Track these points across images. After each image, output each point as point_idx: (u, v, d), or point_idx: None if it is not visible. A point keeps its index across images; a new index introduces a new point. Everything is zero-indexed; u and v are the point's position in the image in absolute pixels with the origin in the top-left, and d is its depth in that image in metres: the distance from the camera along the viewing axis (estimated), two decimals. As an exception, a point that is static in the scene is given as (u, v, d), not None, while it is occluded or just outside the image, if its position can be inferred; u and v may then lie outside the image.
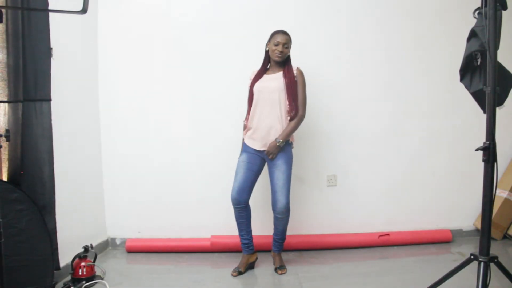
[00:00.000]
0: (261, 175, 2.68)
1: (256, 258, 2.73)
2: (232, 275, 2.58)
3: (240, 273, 2.60)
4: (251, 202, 2.64)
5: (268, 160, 2.58)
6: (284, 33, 2.55)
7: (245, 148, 2.64)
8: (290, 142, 2.60)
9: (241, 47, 3.06)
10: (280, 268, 2.63)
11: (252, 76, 2.65)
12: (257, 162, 2.61)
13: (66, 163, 2.54)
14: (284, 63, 2.59)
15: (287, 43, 2.54)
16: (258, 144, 2.57)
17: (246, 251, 2.67)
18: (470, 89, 2.05)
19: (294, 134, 2.63)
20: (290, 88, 2.52)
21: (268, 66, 2.65)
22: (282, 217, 2.54)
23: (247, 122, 2.64)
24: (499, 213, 3.07)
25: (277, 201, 2.52)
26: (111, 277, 2.54)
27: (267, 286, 2.48)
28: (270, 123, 2.53)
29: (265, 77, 2.61)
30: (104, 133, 3.12)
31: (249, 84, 2.64)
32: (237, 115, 2.97)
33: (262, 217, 2.88)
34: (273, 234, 2.67)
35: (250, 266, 2.69)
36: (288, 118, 2.55)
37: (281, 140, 2.50)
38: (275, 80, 2.55)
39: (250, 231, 2.66)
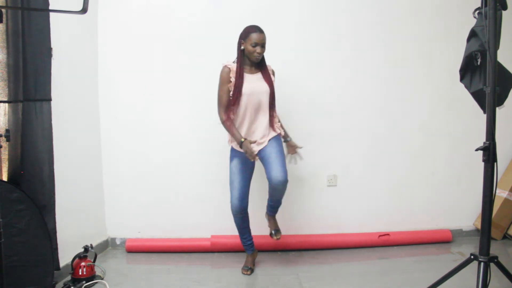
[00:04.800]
0: (252, 179, 2.66)
1: (257, 254, 2.78)
2: (245, 274, 2.60)
3: (252, 271, 2.63)
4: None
5: (262, 151, 2.48)
6: (261, 31, 2.41)
7: (234, 153, 2.57)
8: (280, 136, 2.58)
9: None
10: (276, 232, 2.65)
11: (233, 74, 2.46)
12: (249, 165, 2.58)
13: (66, 163, 2.54)
14: (260, 61, 2.51)
15: (265, 42, 2.41)
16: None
17: (250, 250, 2.70)
18: (470, 89, 2.05)
19: (291, 132, 2.65)
20: (273, 93, 2.51)
21: (246, 60, 2.50)
22: (282, 187, 2.43)
23: (229, 122, 2.50)
24: (499, 213, 3.08)
25: (273, 170, 2.38)
26: (111, 277, 2.54)
27: (267, 286, 2.48)
28: (257, 124, 2.50)
29: (248, 76, 2.48)
30: (104, 133, 3.12)
31: (231, 84, 2.45)
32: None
33: (260, 218, 2.87)
34: (269, 201, 2.61)
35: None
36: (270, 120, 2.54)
37: (290, 138, 2.67)
38: (260, 82, 2.50)
39: (250, 231, 2.69)
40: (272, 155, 2.45)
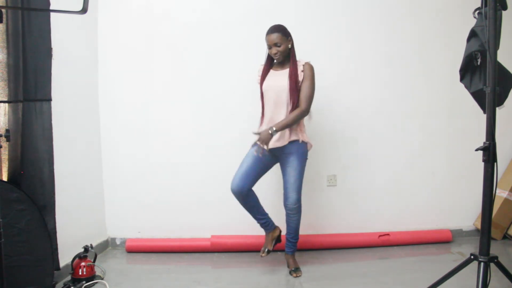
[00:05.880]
0: (271, 174, 2.64)
1: (280, 231, 2.66)
2: (261, 256, 2.55)
3: (269, 252, 2.57)
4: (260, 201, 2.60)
5: (281, 158, 2.52)
6: (273, 31, 2.44)
7: (256, 144, 2.53)
8: (304, 142, 2.52)
9: (241, 47, 3.06)
10: (295, 271, 2.56)
11: (260, 72, 2.59)
12: (267, 158, 2.52)
13: (66, 163, 2.54)
14: (289, 57, 2.51)
15: (278, 41, 2.42)
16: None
17: (267, 229, 2.62)
18: (470, 89, 2.05)
19: (308, 135, 2.58)
20: (293, 90, 2.44)
21: (274, 60, 2.57)
22: (292, 213, 2.51)
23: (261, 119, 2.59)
24: (499, 213, 3.07)
25: (288, 197, 2.49)
26: (111, 277, 2.54)
27: (267, 286, 2.48)
28: (276, 120, 2.46)
29: (272, 73, 2.54)
30: (104, 133, 3.12)
31: (258, 81, 2.59)
32: (237, 115, 2.97)
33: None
34: (286, 234, 2.63)
35: (278, 240, 2.65)
36: None
37: (274, 129, 2.36)
38: (282, 79, 2.48)
39: (262, 211, 2.59)
40: (291, 179, 2.49)
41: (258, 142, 2.39)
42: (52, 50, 2.33)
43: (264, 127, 2.51)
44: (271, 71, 2.56)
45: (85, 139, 2.94)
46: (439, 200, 3.23)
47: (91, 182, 3.02)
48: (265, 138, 2.38)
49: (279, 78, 2.50)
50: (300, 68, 2.49)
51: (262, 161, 2.51)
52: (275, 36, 2.43)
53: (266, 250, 2.57)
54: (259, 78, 2.58)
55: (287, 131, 2.47)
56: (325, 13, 3.11)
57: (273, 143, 2.47)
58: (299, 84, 2.47)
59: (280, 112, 2.47)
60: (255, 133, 2.45)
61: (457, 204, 3.25)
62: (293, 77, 2.46)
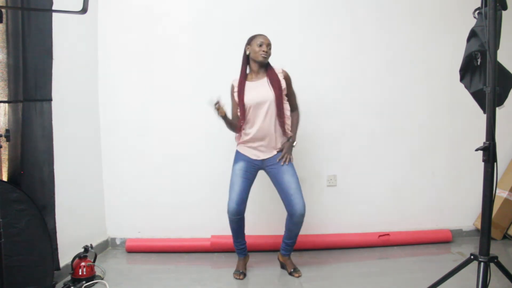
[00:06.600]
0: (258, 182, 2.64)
1: (248, 258, 2.72)
2: (239, 278, 2.53)
3: (244, 275, 2.57)
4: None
5: (272, 167, 2.51)
6: (265, 35, 2.49)
7: (239, 156, 2.56)
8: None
9: (240, 47, 3.05)
10: (295, 271, 2.57)
11: (236, 87, 2.52)
12: (253, 170, 2.55)
13: (66, 163, 2.54)
14: (266, 66, 2.52)
15: (270, 44, 2.48)
16: (254, 153, 2.53)
17: (242, 254, 2.65)
18: (470, 89, 2.05)
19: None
20: (279, 98, 2.44)
21: (247, 72, 2.55)
22: (300, 221, 2.46)
23: (239, 132, 2.56)
24: (499, 213, 3.07)
25: (296, 204, 2.42)
26: (111, 277, 2.54)
27: (267, 286, 2.48)
28: (265, 132, 2.47)
29: (250, 84, 2.50)
30: (104, 133, 3.12)
31: (235, 95, 2.53)
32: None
33: (258, 218, 2.88)
34: (285, 238, 2.60)
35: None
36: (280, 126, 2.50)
37: (296, 141, 2.56)
38: (263, 89, 2.46)
39: (244, 236, 2.62)
40: (293, 185, 2.47)
41: (286, 158, 2.50)
42: (52, 50, 2.33)
43: (255, 137, 2.48)
44: (247, 83, 2.51)
45: (85, 139, 2.94)
46: (439, 200, 3.23)
47: (91, 182, 3.02)
48: (290, 151, 2.54)
49: (260, 89, 2.47)
50: (280, 76, 2.49)
51: (249, 178, 2.54)
52: (269, 39, 2.49)
53: (243, 273, 2.57)
54: (236, 92, 2.52)
55: (277, 139, 2.51)
56: (325, 14, 3.11)
57: (256, 156, 2.52)
58: (282, 92, 2.48)
59: (269, 122, 2.46)
60: (279, 149, 2.52)
61: (457, 204, 3.25)
62: (277, 85, 2.46)
